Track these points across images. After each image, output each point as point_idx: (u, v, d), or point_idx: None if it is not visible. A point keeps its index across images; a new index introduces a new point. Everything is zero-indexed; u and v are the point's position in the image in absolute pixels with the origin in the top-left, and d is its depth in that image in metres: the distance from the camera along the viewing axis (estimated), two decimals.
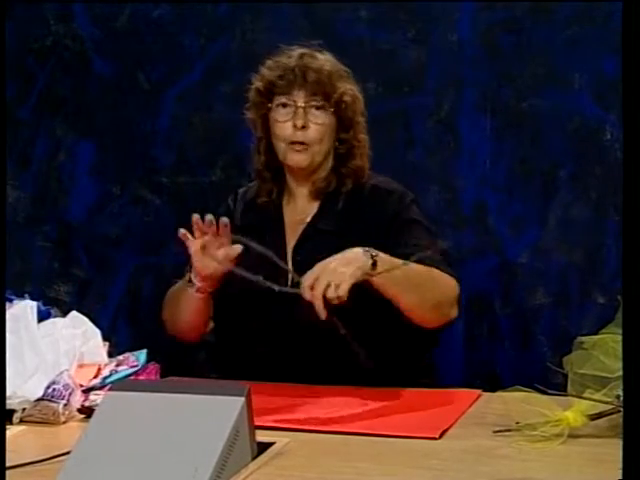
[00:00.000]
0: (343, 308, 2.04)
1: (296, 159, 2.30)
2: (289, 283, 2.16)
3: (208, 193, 3.19)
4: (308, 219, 2.34)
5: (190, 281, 2.27)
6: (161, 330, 3.24)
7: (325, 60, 2.32)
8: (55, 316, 2.20)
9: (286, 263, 2.26)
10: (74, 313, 2.21)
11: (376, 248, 2.10)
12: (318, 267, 2.03)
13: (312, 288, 2.00)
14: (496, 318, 3.01)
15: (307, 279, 2.01)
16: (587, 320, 2.90)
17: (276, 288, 2.03)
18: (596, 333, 1.97)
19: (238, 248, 2.15)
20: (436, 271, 2.19)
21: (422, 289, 2.14)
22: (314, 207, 2.35)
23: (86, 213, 3.29)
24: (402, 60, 3.03)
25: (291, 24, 3.08)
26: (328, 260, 2.04)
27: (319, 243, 2.28)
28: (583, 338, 1.97)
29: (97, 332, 2.17)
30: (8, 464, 1.65)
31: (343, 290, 2.00)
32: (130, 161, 3.25)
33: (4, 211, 3.12)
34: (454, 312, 2.24)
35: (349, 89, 2.31)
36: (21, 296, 2.23)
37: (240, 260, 2.16)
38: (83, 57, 3.24)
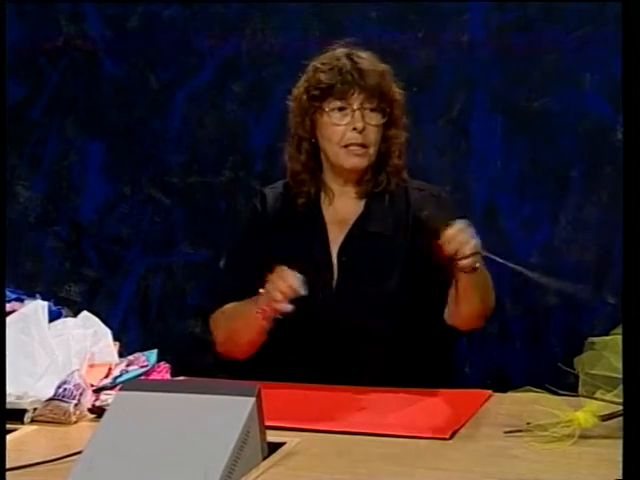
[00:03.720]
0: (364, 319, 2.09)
1: (353, 162, 2.28)
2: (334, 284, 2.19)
3: (218, 193, 3.19)
4: (353, 219, 2.32)
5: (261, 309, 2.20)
6: (171, 330, 3.25)
7: (371, 59, 2.30)
8: (66, 316, 2.20)
9: (330, 263, 2.28)
10: (85, 313, 2.21)
11: (417, 251, 2.14)
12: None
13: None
14: (507, 318, 3.01)
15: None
16: (598, 320, 2.90)
17: None
18: (607, 333, 1.97)
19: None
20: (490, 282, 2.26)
21: (486, 297, 2.22)
22: (358, 207, 2.33)
23: (97, 213, 3.29)
24: (412, 60, 3.03)
25: (301, 24, 3.08)
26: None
27: (367, 244, 2.28)
28: (594, 339, 1.97)
29: (108, 332, 2.18)
30: (19, 464, 1.66)
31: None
32: (140, 161, 3.25)
33: (4, 211, 3.12)
34: (483, 322, 2.32)
35: (396, 86, 2.32)
36: (32, 296, 2.23)
37: None
38: (94, 57, 3.25)
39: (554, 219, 2.97)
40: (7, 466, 1.60)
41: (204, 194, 3.21)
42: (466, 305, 2.21)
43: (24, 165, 3.31)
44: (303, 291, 2.09)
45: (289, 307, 2.11)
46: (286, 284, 2.09)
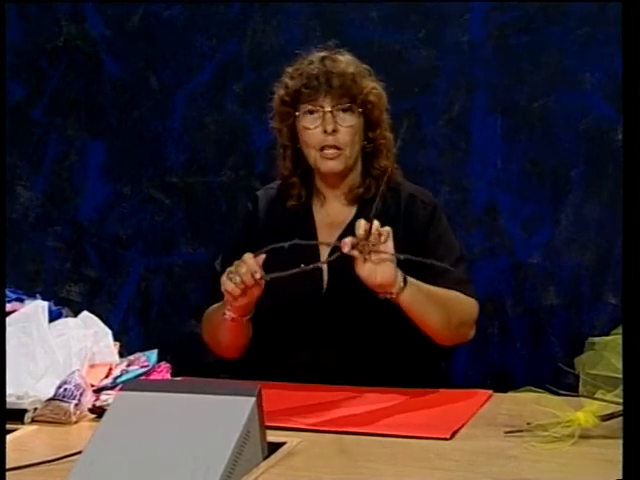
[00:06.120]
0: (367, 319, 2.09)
1: (329, 165, 2.27)
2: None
3: (218, 193, 3.19)
4: (344, 224, 2.30)
5: (225, 312, 2.19)
6: (171, 330, 3.26)
7: (347, 61, 2.29)
8: (66, 316, 2.20)
9: (320, 267, 2.24)
10: (85, 313, 2.21)
11: (407, 260, 2.12)
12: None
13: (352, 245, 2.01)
14: (507, 319, 3.01)
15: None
16: (599, 321, 2.90)
17: (320, 264, 2.05)
18: (608, 334, 1.97)
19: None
20: (457, 292, 2.23)
21: (446, 310, 2.16)
22: (349, 211, 2.33)
23: (97, 213, 3.30)
24: (413, 60, 3.03)
25: (302, 24, 3.09)
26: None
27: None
28: (595, 339, 1.97)
29: (108, 332, 2.18)
30: (20, 464, 1.66)
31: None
32: (141, 161, 3.26)
33: (4, 211, 3.12)
34: (472, 332, 2.29)
35: (373, 87, 2.29)
36: (32, 296, 2.23)
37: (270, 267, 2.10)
38: (94, 58, 3.25)
39: (554, 219, 2.97)
40: (7, 466, 1.60)
41: (204, 194, 3.21)
42: (422, 325, 2.18)
43: (25, 165, 3.31)
44: (259, 275, 2.06)
45: (243, 301, 2.09)
46: (246, 268, 2.06)
